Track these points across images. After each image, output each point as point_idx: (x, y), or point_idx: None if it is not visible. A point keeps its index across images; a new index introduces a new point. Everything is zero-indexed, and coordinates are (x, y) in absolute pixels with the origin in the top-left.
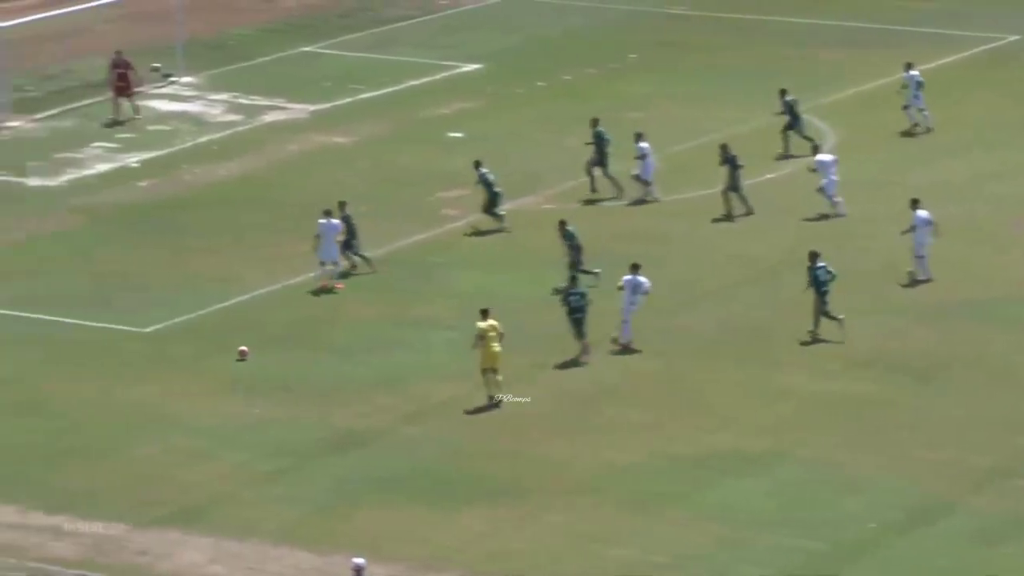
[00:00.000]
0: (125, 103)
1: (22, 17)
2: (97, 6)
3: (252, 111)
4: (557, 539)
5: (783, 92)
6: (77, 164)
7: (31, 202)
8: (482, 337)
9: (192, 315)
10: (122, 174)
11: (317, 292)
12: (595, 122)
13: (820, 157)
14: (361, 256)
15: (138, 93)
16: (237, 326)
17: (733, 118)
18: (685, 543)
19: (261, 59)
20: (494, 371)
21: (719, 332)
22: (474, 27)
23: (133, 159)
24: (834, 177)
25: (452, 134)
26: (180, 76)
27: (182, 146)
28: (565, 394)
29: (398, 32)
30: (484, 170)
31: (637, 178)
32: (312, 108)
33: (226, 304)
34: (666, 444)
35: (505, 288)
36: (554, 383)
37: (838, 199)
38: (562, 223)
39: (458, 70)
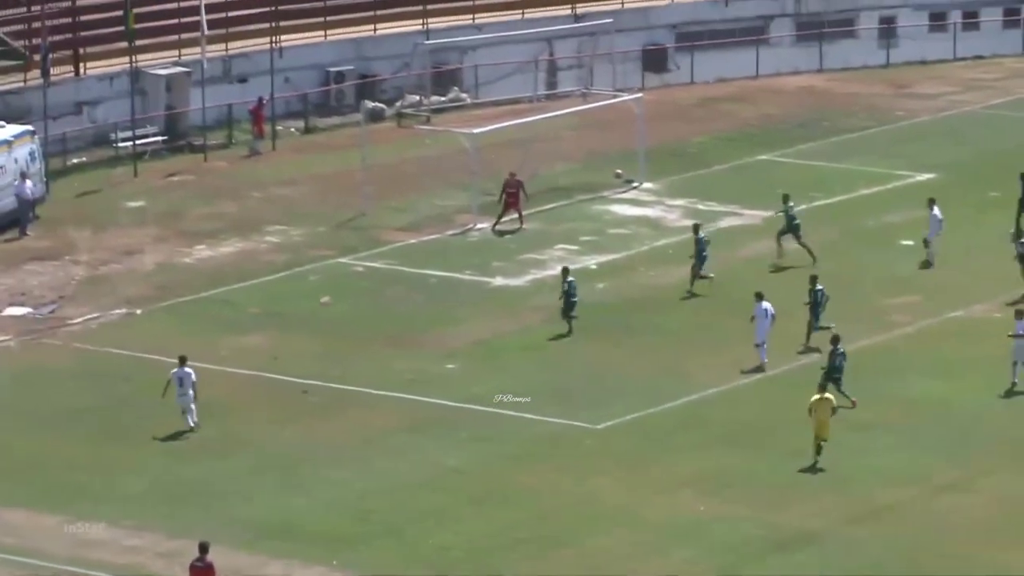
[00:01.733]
0: (513, 215)
1: (491, 125)
2: (562, 115)
3: (708, 216)
4: None
5: None
6: (539, 265)
7: (496, 300)
8: (814, 409)
9: (643, 412)
10: (582, 276)
11: (753, 370)
12: None
13: None
14: (821, 327)
15: (525, 207)
16: (685, 424)
17: None
18: None
19: (718, 166)
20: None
21: None
22: (928, 138)
23: (592, 261)
24: None
25: (904, 242)
26: (641, 182)
27: (640, 249)
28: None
29: (854, 142)
30: None
31: None
32: (765, 214)
33: (676, 403)
34: None
35: (956, 394)
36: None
37: None
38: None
39: (911, 179)
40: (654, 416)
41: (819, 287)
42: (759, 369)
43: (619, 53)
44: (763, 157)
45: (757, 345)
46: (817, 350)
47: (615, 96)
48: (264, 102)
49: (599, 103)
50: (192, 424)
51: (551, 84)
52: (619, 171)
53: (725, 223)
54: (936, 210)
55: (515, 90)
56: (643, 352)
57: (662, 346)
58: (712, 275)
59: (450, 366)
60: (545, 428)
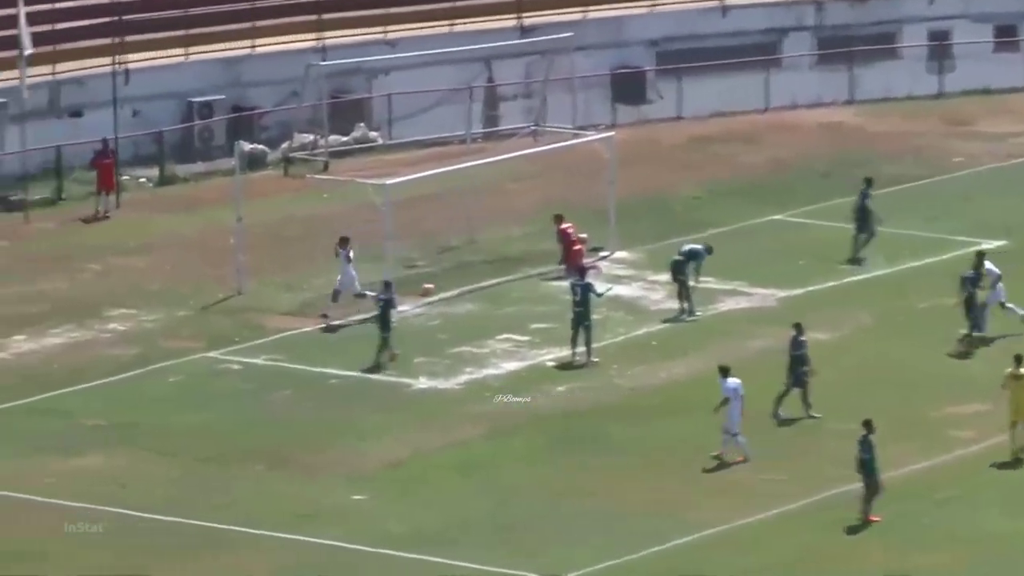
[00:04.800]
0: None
1: (410, 174)
2: (506, 160)
3: (703, 296)
4: None
5: None
6: (477, 361)
7: (419, 408)
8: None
9: (618, 560)
10: (534, 375)
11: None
12: None
13: None
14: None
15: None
16: None
17: None
18: None
19: (715, 229)
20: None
21: None
22: (995, 192)
23: (548, 357)
24: None
25: (964, 331)
26: (612, 250)
27: (612, 340)
28: None
29: (896, 198)
30: None
31: None
32: (781, 294)
33: (663, 547)
34: None
35: None
36: None
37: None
38: None
39: (971, 247)
40: (633, 565)
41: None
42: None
43: (582, 78)
44: (775, 217)
45: (732, 435)
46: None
47: (576, 135)
48: (111, 149)
49: (555, 144)
50: None
51: (491, 119)
52: (582, 235)
53: (725, 306)
54: (990, 264)
55: (442, 127)
56: (618, 477)
57: (644, 468)
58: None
59: (357, 497)
60: None
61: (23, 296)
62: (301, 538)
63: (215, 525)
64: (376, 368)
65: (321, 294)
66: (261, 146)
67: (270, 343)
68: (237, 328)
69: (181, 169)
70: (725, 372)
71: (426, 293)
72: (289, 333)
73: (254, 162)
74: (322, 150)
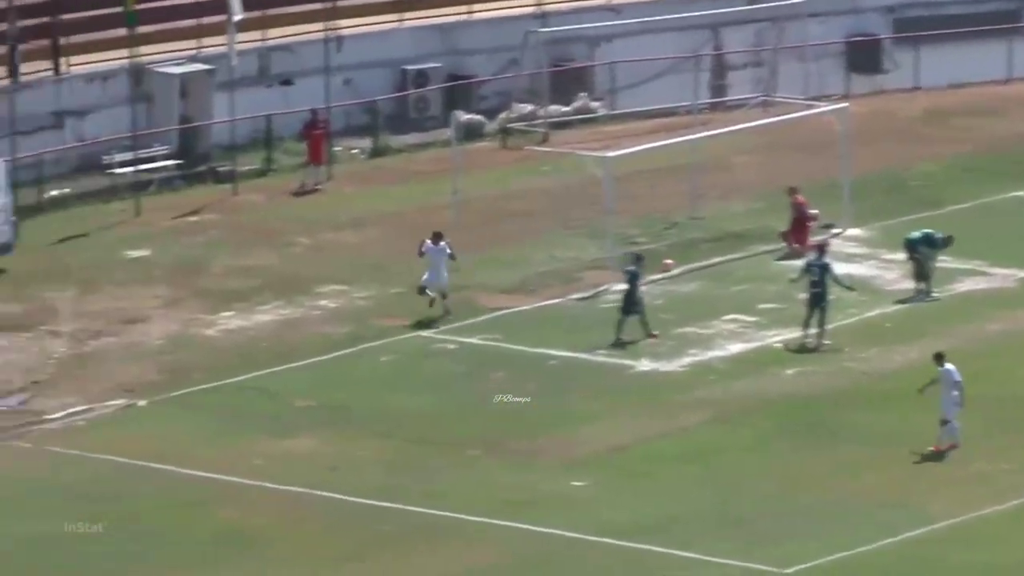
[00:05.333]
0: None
1: (633, 146)
2: (734, 132)
3: (942, 277)
4: None
5: None
6: (702, 343)
7: (641, 391)
8: None
9: (847, 552)
10: (762, 357)
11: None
12: None
13: None
14: None
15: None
16: (905, 569)
17: None
18: None
19: (954, 206)
20: None
21: None
22: None
23: (776, 339)
24: None
25: None
26: (844, 227)
27: (844, 321)
28: None
29: None
30: None
31: None
32: (1022, 275)
33: (893, 540)
34: None
35: None
36: None
37: None
38: None
39: None
40: (864, 558)
41: None
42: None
43: (814, 46)
44: (1017, 194)
45: (945, 422)
46: None
47: (808, 106)
48: (322, 119)
49: (786, 116)
50: None
51: (718, 89)
52: (813, 211)
53: (964, 286)
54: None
55: (666, 98)
56: (848, 466)
57: (875, 457)
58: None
59: (576, 483)
60: (711, 572)
61: (231, 271)
62: (518, 525)
63: (430, 511)
64: (620, 344)
65: (539, 271)
66: (478, 116)
67: (486, 322)
68: (453, 306)
69: (394, 140)
70: (940, 359)
71: (666, 268)
72: (505, 311)
73: (471, 133)
74: (541, 121)
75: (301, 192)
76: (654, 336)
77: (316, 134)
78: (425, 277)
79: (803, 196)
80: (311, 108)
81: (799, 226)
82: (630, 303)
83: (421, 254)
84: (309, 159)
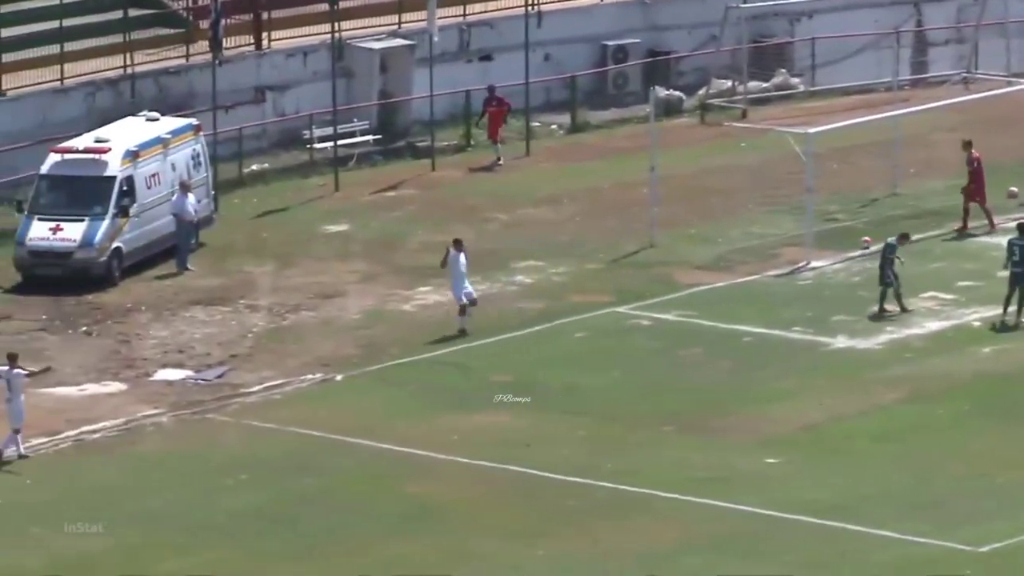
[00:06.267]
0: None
1: (834, 122)
2: (935, 109)
3: None
4: None
5: None
6: (899, 321)
7: (836, 369)
8: None
9: None
10: (960, 335)
11: None
12: None
13: None
14: None
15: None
16: None
17: None
18: None
19: None
20: None
21: None
22: None
23: (974, 317)
24: None
25: None
26: None
27: None
28: None
29: None
30: None
31: None
32: None
33: None
34: None
35: None
36: None
37: None
38: None
39: None
40: None
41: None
42: None
43: (1016, 23)
44: None
45: None
46: None
47: (1010, 83)
48: (498, 97)
49: (987, 93)
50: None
51: (918, 66)
52: (1014, 189)
53: None
54: None
55: (866, 74)
56: None
57: None
58: None
59: (769, 460)
60: (905, 551)
61: (429, 246)
62: (712, 502)
63: (622, 487)
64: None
65: (737, 247)
66: (677, 92)
67: (682, 298)
68: (648, 282)
69: (593, 116)
70: None
71: (864, 246)
72: (702, 288)
73: (670, 109)
74: (740, 97)
75: (493, 167)
76: (906, 310)
77: (492, 111)
78: (466, 290)
79: (978, 151)
80: (487, 85)
81: (978, 181)
82: (884, 275)
83: (443, 264)
84: (488, 135)
